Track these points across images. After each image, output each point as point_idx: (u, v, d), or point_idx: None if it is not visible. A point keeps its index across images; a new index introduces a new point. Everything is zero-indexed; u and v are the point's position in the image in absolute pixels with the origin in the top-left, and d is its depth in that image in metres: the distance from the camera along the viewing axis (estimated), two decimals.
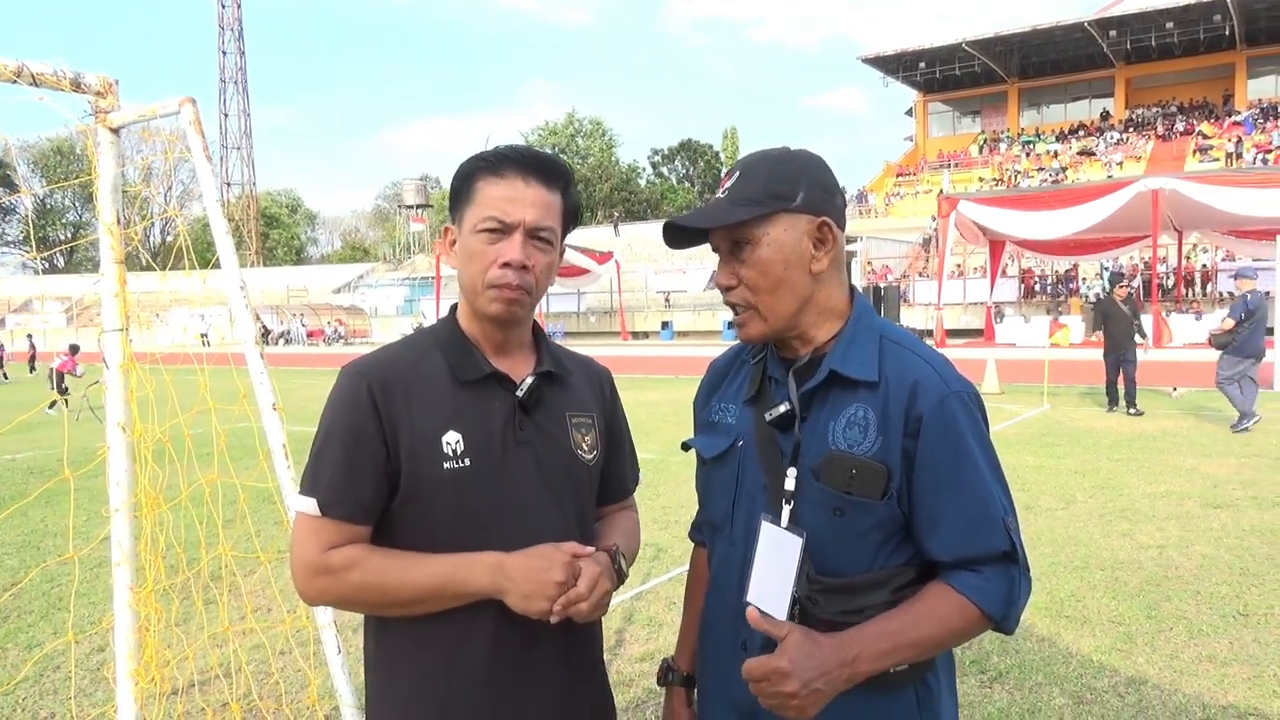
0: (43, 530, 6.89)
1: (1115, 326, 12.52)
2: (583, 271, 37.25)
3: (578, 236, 48.43)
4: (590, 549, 1.46)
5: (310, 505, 1.42)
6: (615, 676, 3.96)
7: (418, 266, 57.46)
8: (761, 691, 1.24)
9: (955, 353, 23.92)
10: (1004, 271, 31.43)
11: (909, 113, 57.07)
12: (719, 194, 1.41)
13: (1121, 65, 49.25)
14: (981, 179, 45.97)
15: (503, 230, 1.45)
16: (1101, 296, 13.21)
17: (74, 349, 18.34)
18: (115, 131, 2.74)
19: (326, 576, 1.41)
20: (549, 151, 1.52)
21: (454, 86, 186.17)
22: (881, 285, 30.57)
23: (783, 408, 1.40)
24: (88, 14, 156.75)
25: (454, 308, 1.58)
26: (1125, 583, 5.08)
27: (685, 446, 1.62)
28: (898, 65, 51.62)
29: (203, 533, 3.10)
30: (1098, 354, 13.21)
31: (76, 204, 75.80)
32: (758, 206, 1.36)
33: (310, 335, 47.96)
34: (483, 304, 1.47)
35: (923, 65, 50.88)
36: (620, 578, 1.52)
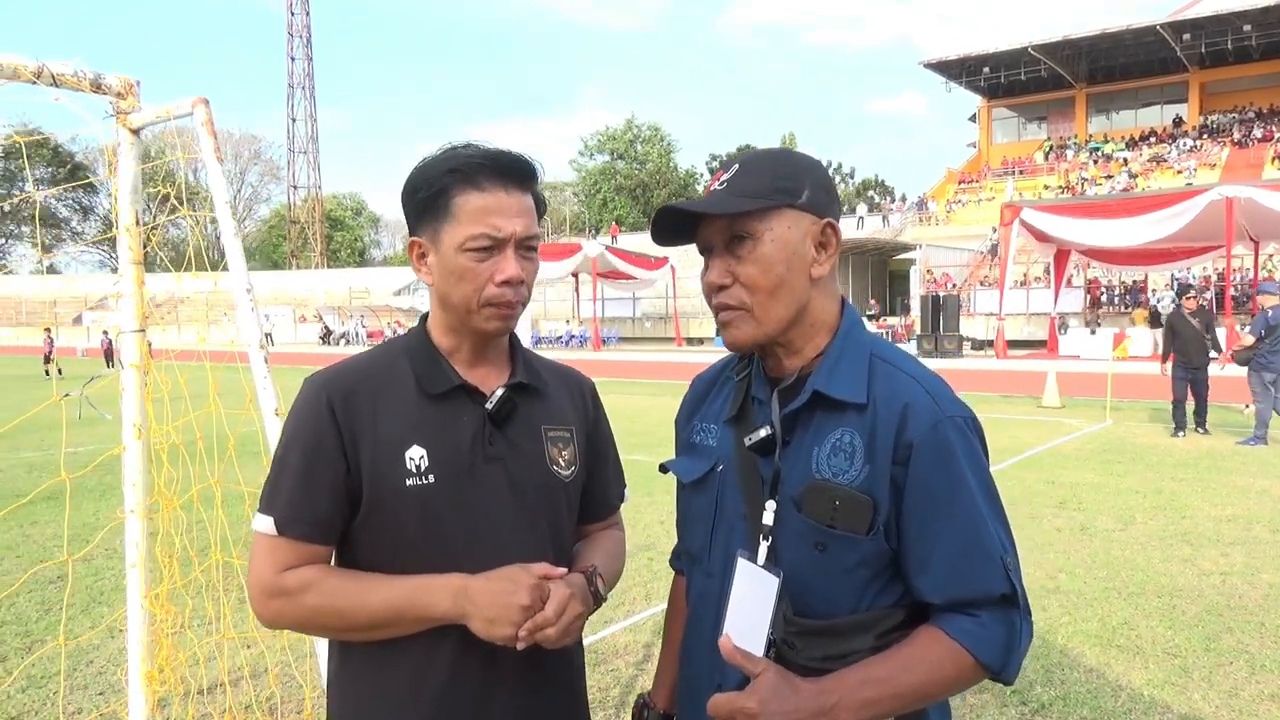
0: (94, 524, 7.03)
1: (1185, 340, 11.64)
2: (629, 277, 37.26)
3: (635, 242, 48.50)
4: (561, 570, 1.36)
5: (267, 524, 1.35)
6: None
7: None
8: None
9: (1015, 364, 23.36)
10: (1069, 281, 30.60)
11: (972, 118, 56.01)
12: (714, 186, 1.29)
13: (1195, 69, 47.67)
14: (1047, 186, 44.88)
15: (493, 246, 1.37)
16: (1167, 309, 11.91)
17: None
18: (135, 132, 2.74)
19: (281, 599, 1.34)
20: (512, 150, 1.42)
21: (512, 91, 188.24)
22: (941, 294, 30.02)
23: (763, 432, 1.28)
24: (169, 22, 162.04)
25: (424, 317, 1.50)
26: (1183, 612, 4.82)
27: (664, 469, 1.51)
28: (961, 70, 50.68)
29: (213, 535, 3.08)
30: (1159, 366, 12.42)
31: (151, 205, 78.28)
32: (764, 199, 1.25)
33: (370, 336, 48.78)
34: (478, 322, 1.40)
35: (987, 70, 49.87)
36: (597, 601, 1.43)
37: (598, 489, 1.61)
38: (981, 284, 35.81)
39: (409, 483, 1.35)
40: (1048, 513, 7.23)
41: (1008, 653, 1.21)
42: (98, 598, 5.28)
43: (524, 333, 41.28)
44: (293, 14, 76.28)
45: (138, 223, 2.73)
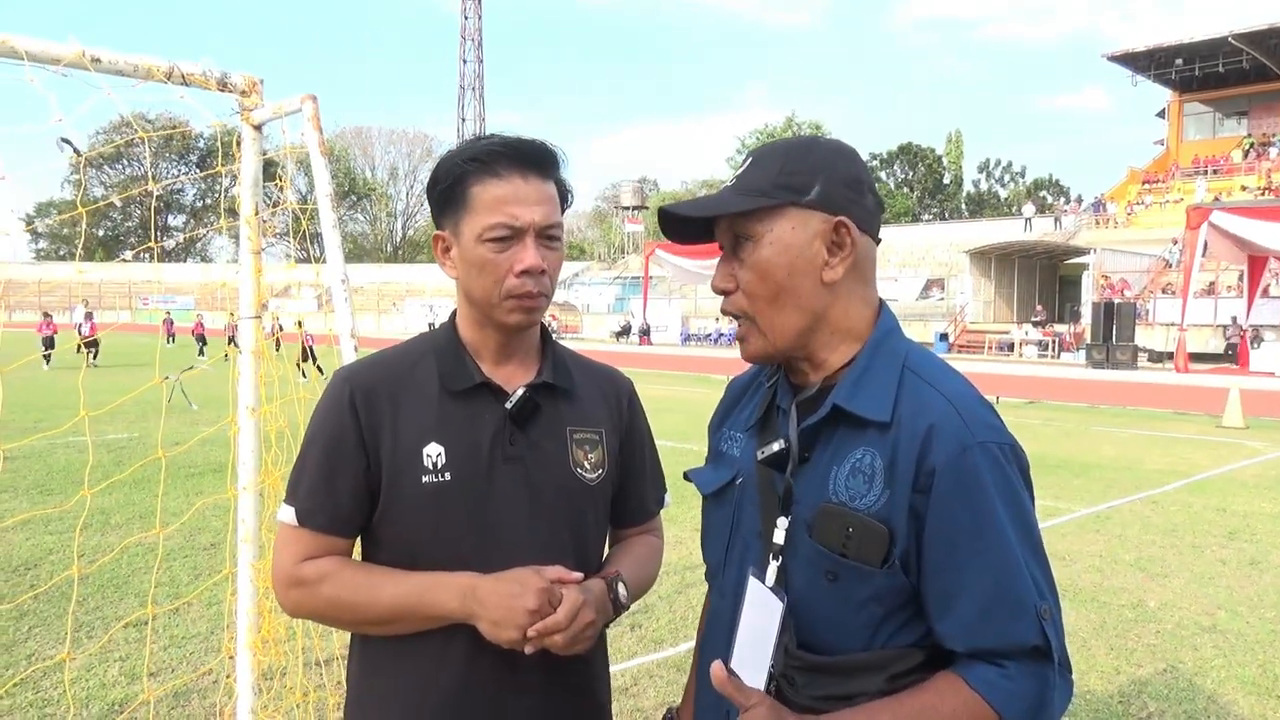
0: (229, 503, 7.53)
1: None
2: None
3: None
4: (578, 575, 1.32)
5: (289, 515, 1.38)
6: None
7: (630, 266, 58.85)
8: None
9: (1197, 379, 21.54)
10: (1265, 291, 27.96)
11: (1161, 114, 52.05)
12: (730, 181, 1.21)
13: None
14: (1244, 187, 41.17)
15: (512, 235, 1.34)
16: None
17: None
18: (258, 128, 2.88)
19: (299, 588, 1.36)
20: (532, 138, 1.39)
21: (670, 89, 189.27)
22: (1116, 301, 28.09)
23: (776, 445, 1.18)
24: (349, 27, 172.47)
25: (454, 313, 1.49)
26: None
27: (687, 477, 1.43)
28: (1149, 62, 47.14)
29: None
30: None
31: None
32: (763, 197, 1.16)
33: None
34: (501, 315, 1.38)
35: (1179, 62, 46.17)
36: (617, 610, 1.38)
37: (632, 493, 1.56)
38: (1163, 292, 33.26)
39: (425, 480, 1.34)
40: (1213, 543, 6.61)
41: (1037, 710, 1.06)
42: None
43: (674, 330, 41.70)
44: (465, 18, 79.55)
45: (257, 213, 2.87)
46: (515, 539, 1.36)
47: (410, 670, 1.36)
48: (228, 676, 3.94)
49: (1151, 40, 45.92)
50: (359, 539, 1.43)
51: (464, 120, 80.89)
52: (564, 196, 1.42)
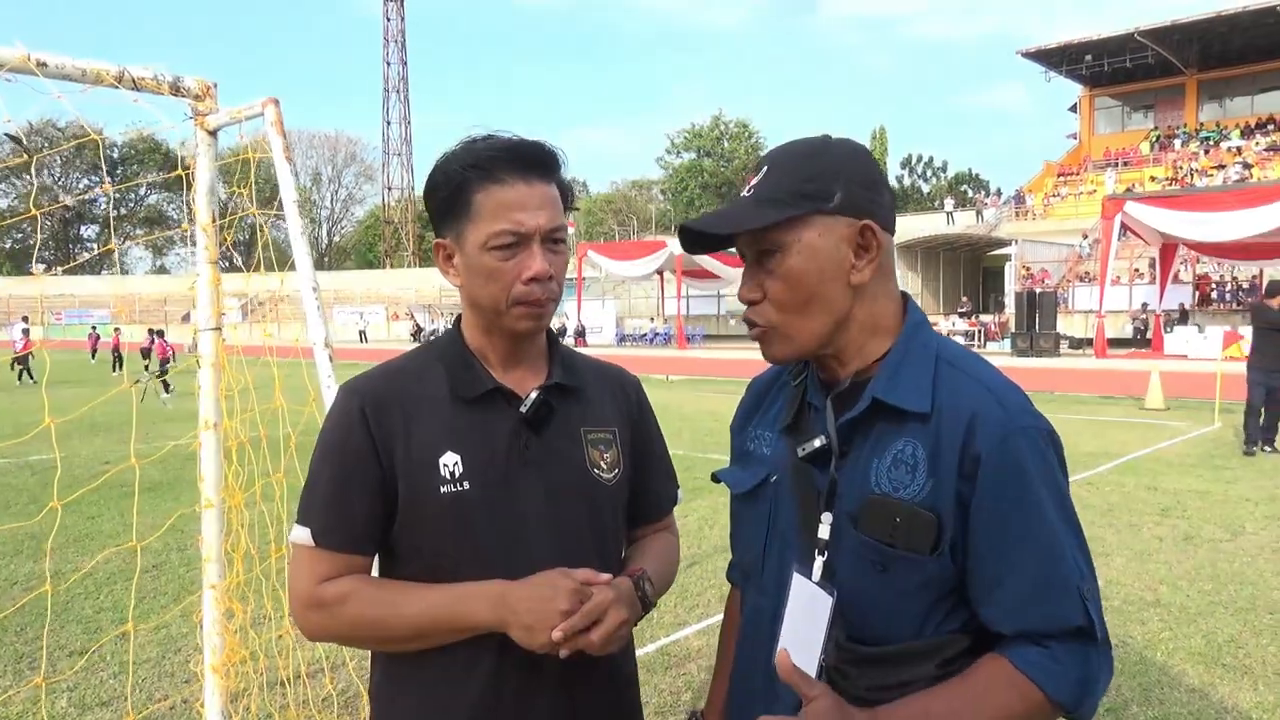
0: (190, 515, 7.28)
1: (1268, 340, 10.04)
2: (713, 275, 37.04)
3: None
4: (605, 576, 1.30)
5: (304, 535, 1.33)
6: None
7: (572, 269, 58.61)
8: None
9: (1116, 364, 22.36)
10: (1175, 277, 29.15)
11: (1073, 109, 53.88)
12: (744, 192, 1.20)
13: None
14: (1153, 178, 42.86)
15: (518, 242, 1.32)
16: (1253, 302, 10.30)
17: (159, 333, 20.41)
18: (212, 133, 2.79)
19: (320, 611, 1.31)
20: (532, 139, 1.37)
21: (600, 89, 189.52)
22: (1037, 291, 28.96)
23: (817, 442, 1.19)
24: (263, 33, 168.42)
25: (459, 319, 1.46)
26: None
27: (715, 478, 1.43)
28: (1061, 58, 48.74)
29: (272, 531, 3.12)
30: None
31: (255, 205, 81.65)
32: (788, 207, 1.15)
33: None
34: (510, 322, 1.35)
35: (1089, 58, 47.82)
36: (645, 607, 1.37)
37: (647, 490, 1.55)
38: (1081, 280, 34.44)
39: (443, 490, 1.32)
40: (1148, 521, 6.87)
41: (1083, 689, 1.09)
42: (188, 587, 5.46)
43: (609, 331, 41.70)
44: (388, 19, 78.32)
45: (214, 222, 2.78)
46: (538, 543, 1.35)
47: (438, 683, 1.33)
48: (186, 702, 3.81)
49: (1063, 37, 47.50)
50: (376, 552, 1.39)
51: (389, 123, 79.67)
52: (566, 196, 1.40)
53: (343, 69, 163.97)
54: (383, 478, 1.32)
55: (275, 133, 2.51)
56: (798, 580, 1.18)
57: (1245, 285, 31.37)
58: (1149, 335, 28.23)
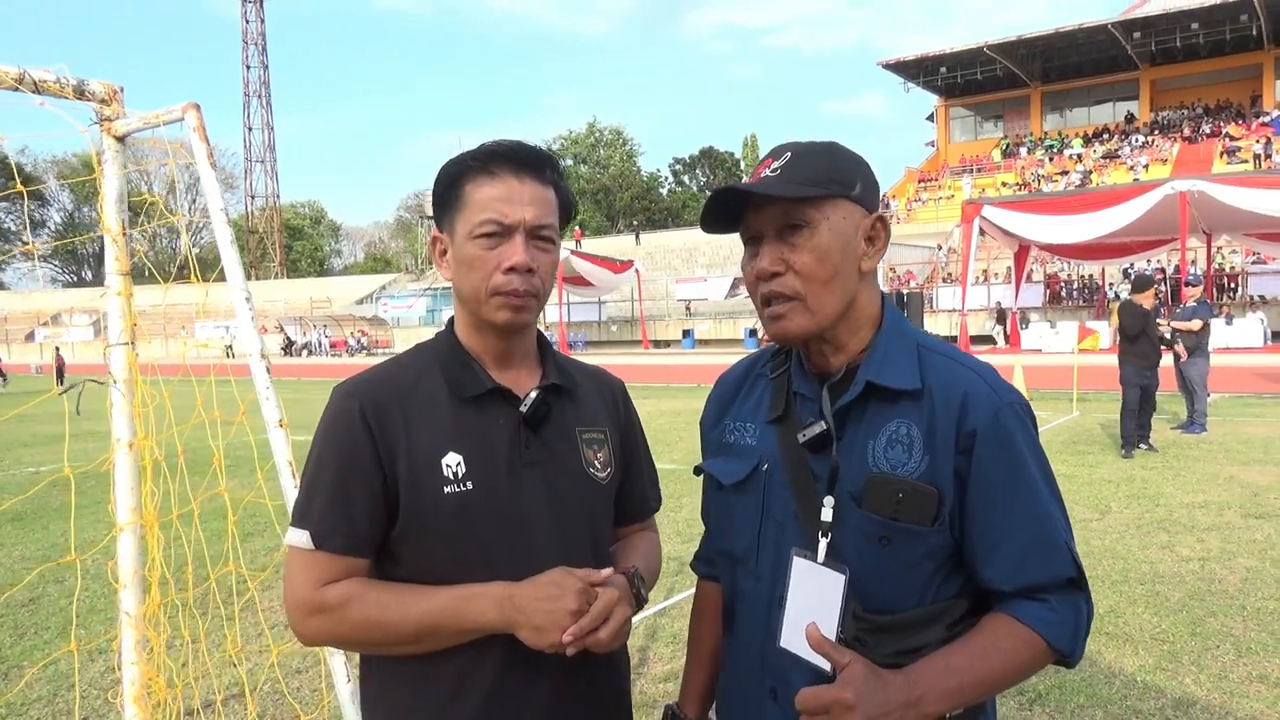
0: (64, 544, 6.85)
1: (1150, 340, 9.83)
2: (590, 284, 37.24)
3: (598, 246, 48.49)
4: (605, 573, 1.33)
5: (302, 538, 1.31)
6: (638, 697, 3.83)
7: (440, 277, 57.60)
8: None
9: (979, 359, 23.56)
10: (1029, 277, 31.05)
11: (930, 118, 56.67)
12: (765, 173, 1.26)
13: (1146, 67, 48.62)
14: (1004, 184, 45.52)
15: (502, 233, 1.34)
16: (1123, 298, 10.17)
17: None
18: (120, 140, 2.66)
19: (322, 615, 1.29)
20: (536, 144, 1.41)
21: (475, 97, 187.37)
22: (905, 292, 30.30)
23: (817, 427, 1.26)
24: (110, 30, 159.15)
25: (451, 320, 1.47)
26: (1167, 598, 4.89)
27: (698, 471, 1.49)
28: (918, 70, 51.26)
29: (206, 550, 3.01)
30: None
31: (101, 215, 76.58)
32: (821, 188, 1.24)
33: (333, 346, 48.19)
34: (488, 313, 1.37)
35: (944, 70, 50.48)
36: (639, 602, 1.40)
37: (634, 491, 1.58)
38: (944, 281, 36.22)
39: (447, 490, 1.32)
40: None
41: (1075, 636, 1.22)
42: (72, 620, 5.14)
43: None
44: (247, 21, 75.25)
45: (125, 232, 2.65)
46: (539, 542, 1.36)
47: (439, 684, 1.33)
48: None
49: (919, 50, 49.86)
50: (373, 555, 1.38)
51: (250, 129, 76.50)
52: (566, 207, 1.43)
53: (197, 72, 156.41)
54: (384, 479, 1.31)
55: (198, 139, 2.41)
56: (799, 563, 1.24)
57: (1092, 284, 33.69)
58: (1007, 332, 29.90)
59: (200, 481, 2.86)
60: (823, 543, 1.23)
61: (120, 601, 2.78)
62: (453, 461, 1.33)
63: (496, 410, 1.39)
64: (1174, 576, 5.26)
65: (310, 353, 47.38)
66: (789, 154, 1.27)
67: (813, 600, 1.21)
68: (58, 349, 35.34)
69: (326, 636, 1.32)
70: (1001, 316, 30.82)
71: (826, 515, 1.24)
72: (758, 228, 1.28)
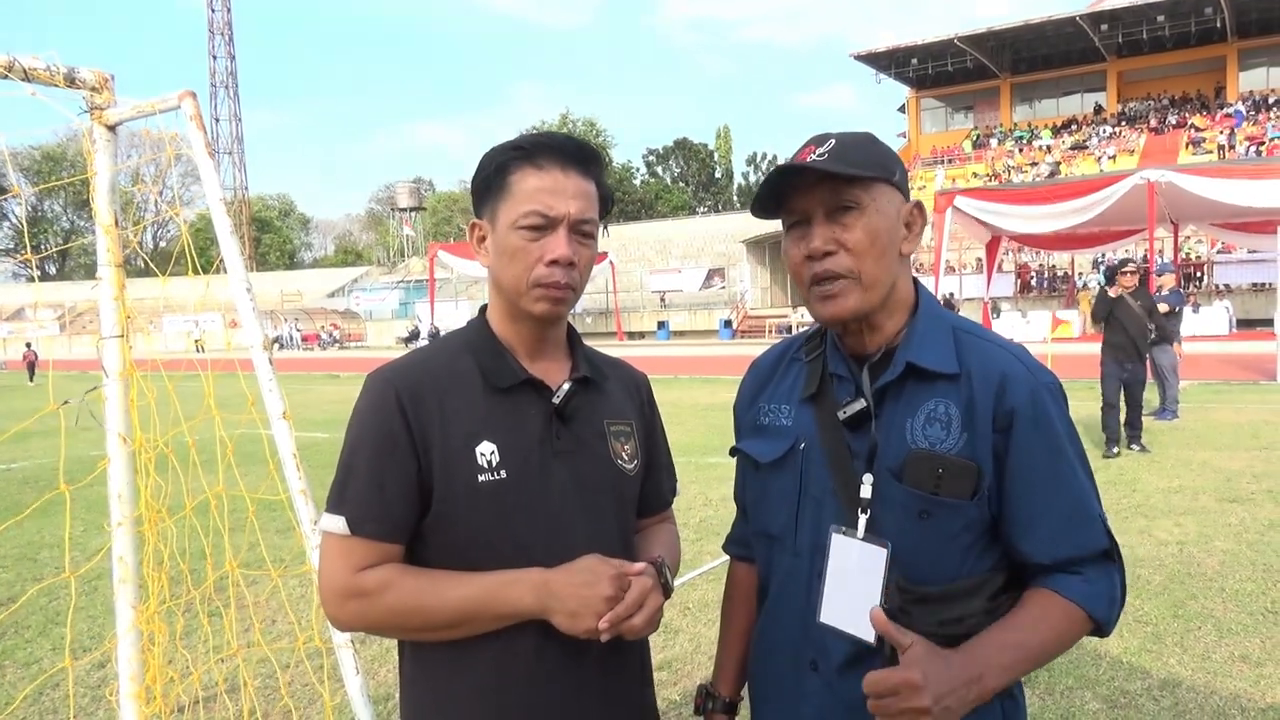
0: (39, 543, 6.75)
1: (1121, 327, 9.07)
2: None
3: None
4: (639, 566, 1.35)
5: (338, 524, 1.31)
6: None
7: (412, 269, 57.22)
8: (885, 709, 1.13)
9: None
10: (1000, 267, 31.37)
11: (901, 109, 57.03)
12: (811, 157, 1.27)
13: (1113, 59, 49.20)
14: (975, 174, 45.91)
15: (546, 225, 1.35)
16: (1102, 286, 9.48)
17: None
18: (112, 129, 2.63)
19: (359, 600, 1.30)
20: (577, 138, 1.42)
21: (446, 89, 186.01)
22: None
23: (858, 405, 1.29)
24: (74, 17, 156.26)
25: (483, 309, 1.48)
26: (1148, 581, 4.98)
27: (733, 452, 1.51)
28: (889, 62, 51.54)
29: (208, 544, 2.97)
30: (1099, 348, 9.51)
31: (68, 210, 75.28)
32: (870, 171, 1.27)
33: (305, 340, 47.75)
34: (527, 304, 1.37)
35: (914, 61, 50.80)
36: (666, 592, 1.41)
37: (654, 484, 1.59)
38: (916, 271, 36.45)
39: (481, 479, 1.32)
40: None
41: (1111, 606, 1.27)
42: (53, 618, 5.07)
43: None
44: (213, 11, 74.15)
45: (116, 223, 2.61)
46: (571, 532, 1.37)
47: (478, 668, 1.33)
48: None
49: (890, 42, 50.11)
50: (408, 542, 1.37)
51: (217, 120, 75.42)
52: (605, 200, 1.44)
53: (163, 62, 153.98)
54: (419, 467, 1.32)
55: (195, 128, 2.38)
56: (839, 540, 1.26)
57: (1062, 275, 34.11)
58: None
59: (190, 477, 2.83)
60: (862, 519, 1.26)
61: (117, 599, 2.74)
62: (487, 450, 1.33)
63: (529, 401, 1.39)
64: (1154, 560, 5.35)
65: (281, 346, 46.89)
66: (833, 140, 1.29)
67: (853, 575, 1.24)
68: (29, 344, 34.70)
69: (362, 622, 1.32)
70: (948, 305, 30.98)
71: (866, 492, 1.27)
72: (805, 209, 1.29)
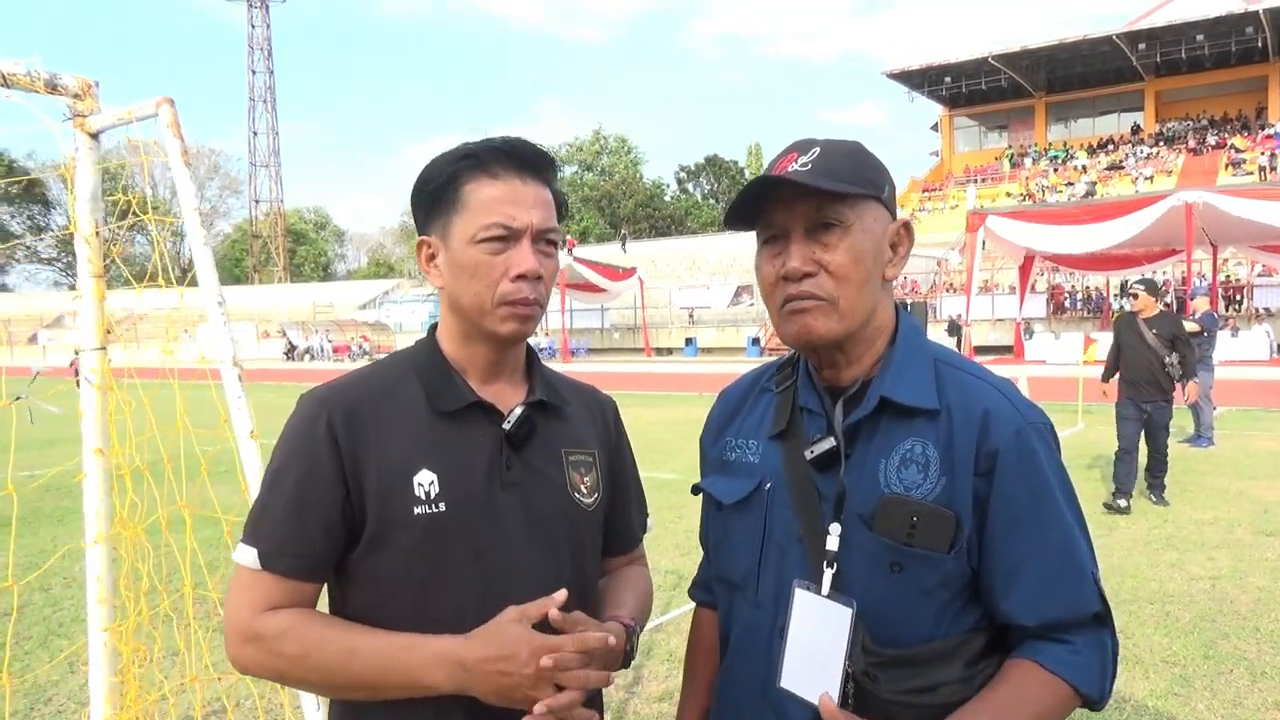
0: (51, 551, 6.74)
1: (1134, 360, 7.58)
2: (599, 289, 37.12)
3: (600, 253, 48.40)
4: (561, 596, 1.19)
5: (250, 556, 1.19)
6: (632, 718, 3.71)
7: None
8: None
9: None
10: (1033, 287, 30.92)
11: (934, 127, 56.62)
12: (792, 167, 1.15)
13: (1151, 78, 48.54)
14: (1009, 194, 45.41)
15: (509, 237, 1.23)
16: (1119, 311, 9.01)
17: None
18: (95, 136, 2.56)
19: (255, 645, 1.17)
20: (528, 140, 1.30)
21: (477, 103, 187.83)
22: (910, 301, 30.19)
23: (826, 444, 1.15)
24: (124, 35, 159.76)
25: (433, 328, 1.36)
26: (1177, 618, 4.76)
27: (696, 490, 1.38)
28: (923, 80, 51.22)
29: (184, 563, 2.89)
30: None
31: (109, 220, 76.69)
32: (856, 186, 1.14)
33: (336, 351, 48.09)
34: (493, 324, 1.26)
35: (948, 79, 50.46)
36: (626, 661, 1.28)
37: (620, 519, 1.46)
38: (948, 290, 36.08)
39: (417, 511, 1.20)
40: None
41: (1103, 678, 1.13)
42: (55, 630, 5.04)
43: None
44: (253, 27, 75.51)
45: (97, 233, 2.55)
46: (516, 572, 1.24)
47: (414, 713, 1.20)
48: None
49: (924, 59, 49.84)
50: (328, 579, 1.26)
51: (255, 134, 76.71)
52: (560, 205, 1.32)
53: (200, 77, 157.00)
54: (346, 495, 1.20)
55: (172, 135, 2.31)
56: (802, 596, 1.14)
57: (1097, 295, 33.55)
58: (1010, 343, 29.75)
59: (167, 491, 2.75)
60: (828, 573, 1.13)
61: (90, 620, 2.66)
62: (425, 480, 1.22)
63: (477, 426, 1.27)
64: (1184, 596, 5.13)
65: (312, 357, 47.29)
66: (817, 149, 1.16)
67: (817, 635, 1.11)
68: (77, 352, 35.14)
69: (259, 668, 1.19)
70: (954, 329, 30.14)
71: (832, 544, 1.13)
72: (784, 224, 1.17)
